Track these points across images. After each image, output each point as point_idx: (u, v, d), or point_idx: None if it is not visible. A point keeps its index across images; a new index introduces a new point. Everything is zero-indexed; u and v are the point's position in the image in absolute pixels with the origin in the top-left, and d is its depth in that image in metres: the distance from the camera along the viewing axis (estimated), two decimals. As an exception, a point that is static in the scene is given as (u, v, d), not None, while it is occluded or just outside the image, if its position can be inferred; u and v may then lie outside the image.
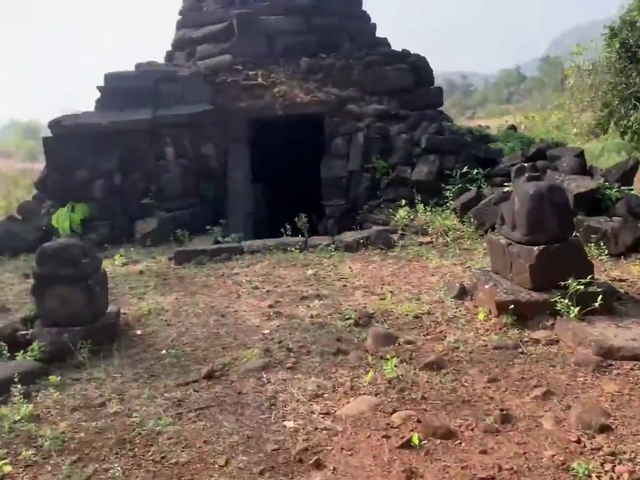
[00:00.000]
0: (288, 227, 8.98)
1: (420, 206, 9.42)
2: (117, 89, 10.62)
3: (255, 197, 10.87)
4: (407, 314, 5.74)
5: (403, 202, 9.39)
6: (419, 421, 3.73)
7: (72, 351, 5.01)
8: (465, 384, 4.26)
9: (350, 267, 7.58)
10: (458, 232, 8.62)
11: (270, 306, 6.27)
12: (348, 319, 5.66)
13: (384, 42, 13.00)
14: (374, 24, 13.48)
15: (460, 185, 9.63)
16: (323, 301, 6.32)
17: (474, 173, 9.78)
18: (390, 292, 6.46)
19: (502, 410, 3.81)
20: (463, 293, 6.16)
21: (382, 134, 10.67)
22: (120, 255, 8.74)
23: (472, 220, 8.59)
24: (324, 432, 3.71)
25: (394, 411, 3.89)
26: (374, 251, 8.25)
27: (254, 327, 5.71)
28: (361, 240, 8.40)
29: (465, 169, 9.75)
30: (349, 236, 8.60)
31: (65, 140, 10.18)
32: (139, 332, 5.77)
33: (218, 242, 9.40)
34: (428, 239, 8.56)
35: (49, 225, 9.95)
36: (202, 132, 10.67)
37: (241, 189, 10.58)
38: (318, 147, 11.66)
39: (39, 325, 5.27)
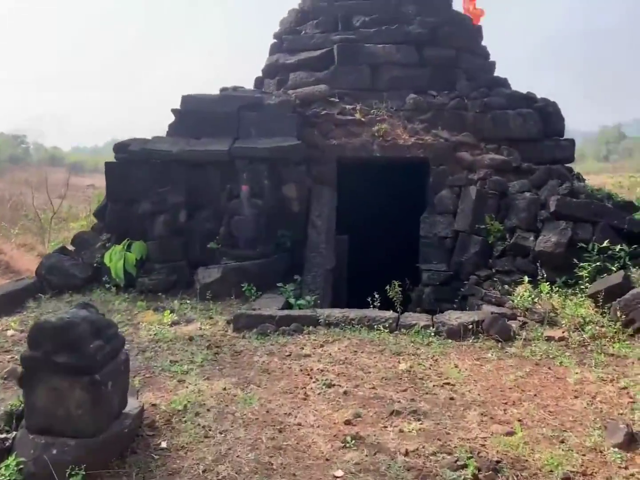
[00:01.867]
0: (377, 296, 7.22)
1: (545, 285, 7.39)
2: (194, 113, 9.25)
3: (339, 252, 9.15)
4: (550, 470, 3.85)
5: (526, 278, 7.41)
6: None
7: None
8: None
9: (456, 366, 5.72)
10: (598, 328, 6.55)
11: (348, 422, 4.53)
12: (462, 467, 3.83)
13: (504, 82, 11.17)
14: (493, 62, 11.72)
15: (598, 264, 7.58)
16: (422, 423, 4.51)
17: (617, 249, 7.72)
18: (519, 420, 4.59)
19: None
20: (631, 440, 4.21)
21: (499, 190, 8.74)
22: (171, 312, 7.24)
23: (617, 313, 6.53)
24: None
25: None
26: (486, 342, 6.35)
27: (322, 461, 3.97)
28: (470, 326, 6.52)
29: (605, 243, 7.71)
30: (454, 318, 6.71)
31: (130, 167, 8.89)
32: (163, 444, 4.16)
33: (289, 304, 7.77)
34: (558, 332, 6.53)
35: (102, 262, 8.64)
36: (285, 170, 9.09)
37: (323, 240, 8.89)
38: (417, 198, 9.91)
39: (24, 430, 3.73)
